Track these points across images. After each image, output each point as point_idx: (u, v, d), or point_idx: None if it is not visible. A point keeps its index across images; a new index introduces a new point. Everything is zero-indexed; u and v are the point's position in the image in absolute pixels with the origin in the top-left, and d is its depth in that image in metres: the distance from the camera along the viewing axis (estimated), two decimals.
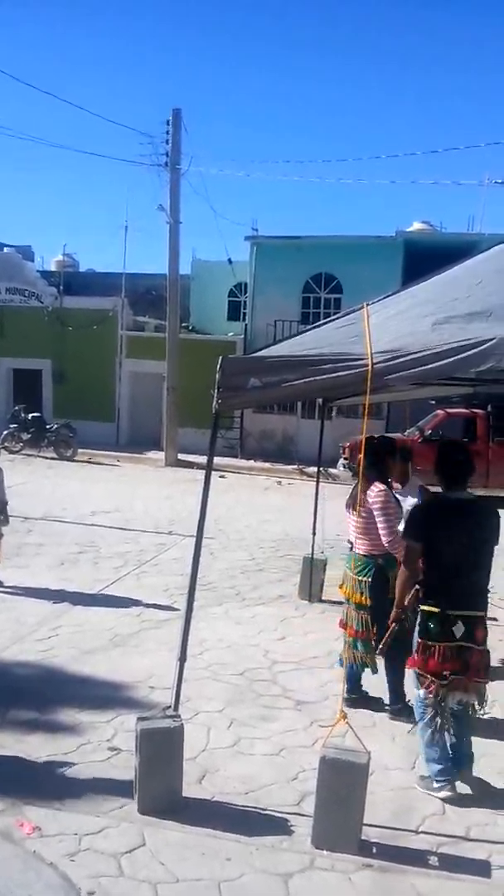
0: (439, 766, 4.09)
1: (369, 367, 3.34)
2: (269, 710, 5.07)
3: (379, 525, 4.87)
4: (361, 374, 3.36)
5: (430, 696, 4.02)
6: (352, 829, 3.53)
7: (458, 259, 4.47)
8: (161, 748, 3.69)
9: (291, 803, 3.94)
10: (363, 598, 4.93)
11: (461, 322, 3.54)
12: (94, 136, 79.77)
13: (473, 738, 4.29)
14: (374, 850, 3.56)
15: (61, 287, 25.35)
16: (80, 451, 20.22)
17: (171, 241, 20.37)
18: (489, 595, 4.18)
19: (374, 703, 5.17)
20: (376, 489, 4.95)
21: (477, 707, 4.16)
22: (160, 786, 3.73)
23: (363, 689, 5.24)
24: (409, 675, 4.35)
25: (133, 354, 24.07)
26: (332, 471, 17.39)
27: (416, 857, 3.55)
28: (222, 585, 8.20)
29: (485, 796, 4.11)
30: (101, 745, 4.44)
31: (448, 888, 3.36)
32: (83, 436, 20.76)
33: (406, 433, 15.79)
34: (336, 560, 8.48)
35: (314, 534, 7.89)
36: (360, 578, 4.97)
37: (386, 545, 4.85)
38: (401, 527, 4.70)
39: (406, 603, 4.27)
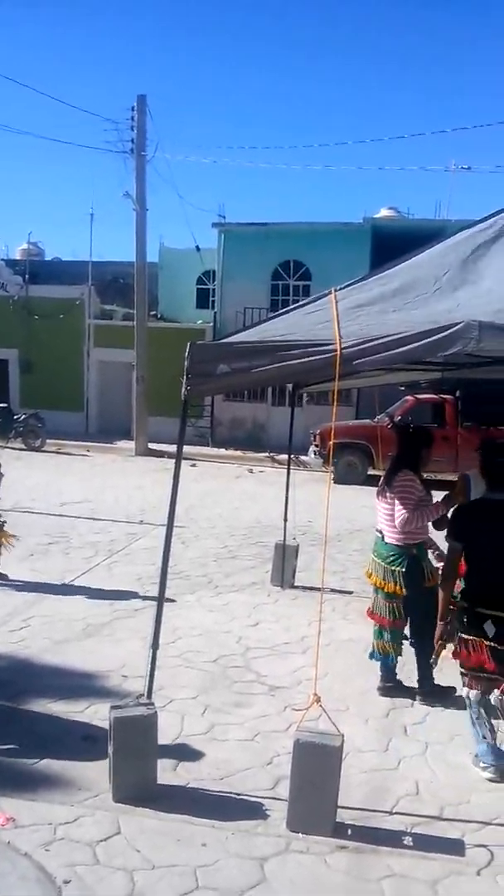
0: (484, 747, 4.16)
1: (338, 353, 3.34)
2: (242, 696, 5.08)
3: (396, 510, 4.92)
4: (330, 360, 3.36)
5: (470, 690, 4.12)
6: (326, 811, 3.56)
7: (426, 244, 4.48)
8: (135, 736, 3.69)
9: (266, 788, 3.96)
10: (396, 588, 4.95)
11: (428, 307, 3.55)
12: (58, 123, 78.87)
13: (450, 717, 4.35)
14: (349, 832, 3.59)
15: (27, 276, 25.07)
16: (48, 441, 20.05)
17: (138, 228, 20.22)
18: None
19: (408, 692, 5.17)
20: (402, 477, 4.97)
21: None
22: (134, 774, 3.73)
23: (398, 677, 5.25)
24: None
25: (101, 343, 23.90)
26: (303, 458, 17.43)
27: (390, 838, 3.59)
28: (194, 573, 8.19)
29: (458, 776, 4.16)
30: (75, 734, 4.42)
31: (422, 867, 3.40)
32: (52, 426, 20.58)
33: (376, 419, 15.86)
34: (307, 546, 8.54)
35: (286, 520, 7.91)
36: (392, 568, 4.98)
37: (398, 525, 4.91)
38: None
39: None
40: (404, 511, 4.87)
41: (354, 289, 4.12)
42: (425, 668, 5.06)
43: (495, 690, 4.12)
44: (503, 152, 71.75)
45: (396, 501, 4.93)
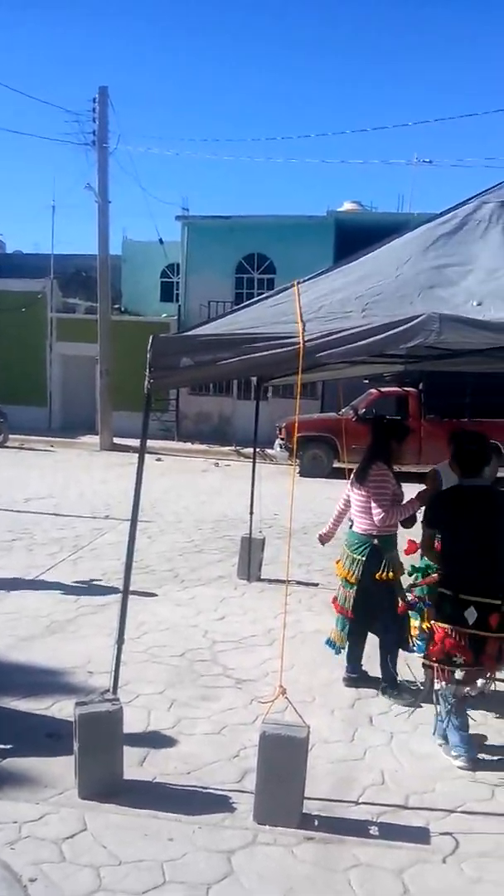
0: (458, 737, 4.20)
1: (301, 345, 3.34)
2: (209, 689, 5.08)
3: (372, 504, 4.93)
4: (293, 352, 3.36)
5: (444, 682, 4.13)
6: (293, 803, 3.57)
7: (388, 237, 4.49)
8: (100, 732, 3.67)
9: (233, 781, 3.96)
10: (352, 577, 4.98)
11: (390, 300, 3.57)
12: (18, 115, 77.75)
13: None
14: (316, 823, 3.60)
15: None
16: (11, 436, 19.84)
17: (101, 221, 20.06)
18: None
19: (374, 683, 5.20)
20: (376, 471, 4.98)
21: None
22: (100, 770, 3.71)
23: (363, 668, 5.28)
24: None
25: (64, 337, 23.69)
26: (269, 451, 17.47)
27: (356, 828, 3.61)
28: (161, 568, 8.16)
29: (423, 765, 4.21)
30: (40, 731, 4.39)
31: (389, 856, 3.42)
32: (14, 421, 20.36)
33: (340, 412, 15.94)
34: (273, 539, 8.56)
35: (251, 514, 7.91)
36: (355, 556, 5.01)
37: (377, 522, 4.91)
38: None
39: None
40: (380, 509, 4.89)
41: (317, 281, 4.13)
42: (387, 663, 5.09)
43: (471, 684, 4.13)
44: (464, 146, 72.47)
45: (372, 497, 4.95)
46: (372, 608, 5.00)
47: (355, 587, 4.96)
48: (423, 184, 49.29)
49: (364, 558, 4.94)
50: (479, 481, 4.24)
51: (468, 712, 4.28)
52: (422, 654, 4.58)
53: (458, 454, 4.34)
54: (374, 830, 3.61)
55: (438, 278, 3.72)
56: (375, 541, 4.96)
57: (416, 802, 3.86)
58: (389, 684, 5.04)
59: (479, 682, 4.19)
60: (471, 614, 4.02)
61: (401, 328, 3.27)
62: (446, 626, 4.09)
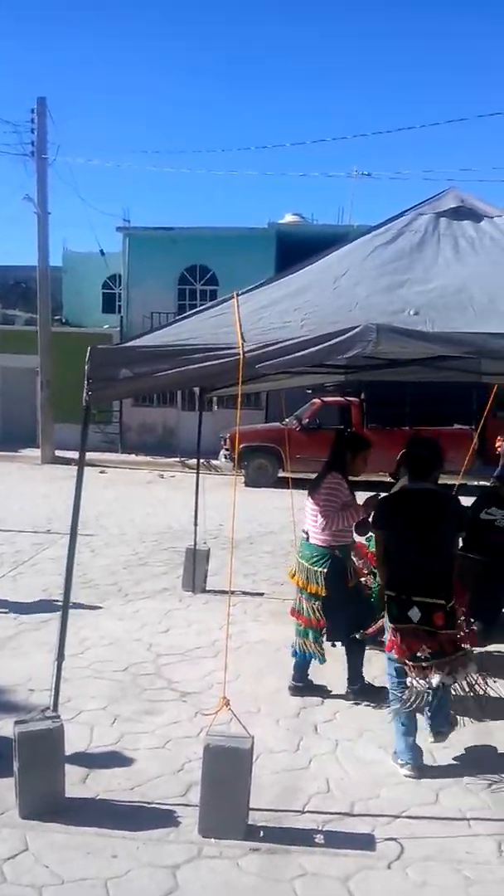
0: (404, 744, 4.21)
1: (240, 356, 3.35)
2: (153, 703, 5.03)
3: (320, 511, 4.94)
4: (233, 363, 3.37)
5: (411, 678, 4.15)
6: (238, 814, 3.55)
7: (328, 249, 4.55)
8: (40, 750, 3.60)
9: (178, 794, 3.92)
10: (318, 588, 4.94)
11: (328, 311, 3.61)
12: None
13: (360, 713, 4.39)
14: (262, 834, 3.59)
15: None
16: None
17: (40, 231, 19.84)
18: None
19: (318, 691, 5.23)
20: (330, 480, 5.00)
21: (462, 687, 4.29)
22: (41, 788, 3.64)
23: (308, 677, 5.27)
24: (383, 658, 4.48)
25: (3, 349, 23.30)
26: (214, 462, 17.45)
27: (302, 837, 3.61)
28: (104, 582, 8.07)
29: (368, 771, 4.23)
30: None
31: (334, 864, 3.43)
32: None
33: (284, 422, 16.02)
34: (218, 550, 8.54)
35: (196, 525, 7.88)
36: (315, 569, 4.98)
37: (319, 529, 4.95)
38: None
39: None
40: (322, 517, 4.92)
41: (256, 293, 4.16)
42: (356, 667, 5.13)
43: (435, 675, 4.13)
44: (401, 159, 73.85)
45: (321, 504, 4.97)
46: (342, 616, 5.03)
47: (322, 599, 4.94)
48: (363, 196, 50.25)
49: (326, 570, 4.94)
50: (426, 485, 4.32)
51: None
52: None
53: (408, 458, 4.43)
54: (319, 839, 3.62)
55: (375, 289, 3.78)
56: (336, 551, 4.97)
57: (362, 809, 3.88)
58: (360, 688, 5.08)
59: (442, 676, 4.14)
60: (414, 614, 4.10)
61: (338, 339, 3.31)
62: (399, 626, 4.17)
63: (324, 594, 4.94)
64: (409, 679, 4.17)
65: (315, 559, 5.01)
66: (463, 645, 4.24)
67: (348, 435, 5.43)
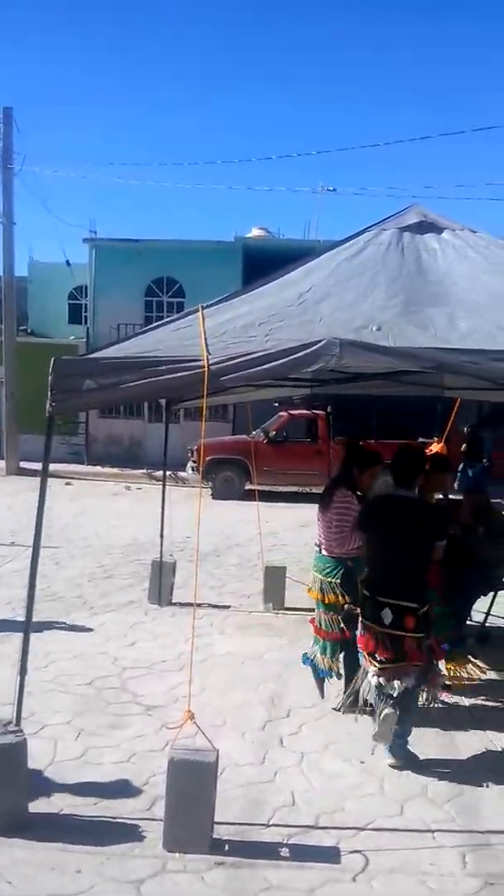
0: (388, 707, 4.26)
1: (205, 369, 3.37)
2: (118, 717, 4.99)
3: (335, 531, 4.98)
4: (198, 376, 3.39)
5: (370, 675, 4.26)
6: (203, 828, 3.54)
7: (291, 265, 4.59)
8: (3, 765, 3.55)
9: (142, 809, 3.90)
10: (337, 598, 4.95)
11: (292, 325, 3.64)
12: None
13: (325, 726, 4.39)
14: (227, 848, 3.58)
15: None
16: None
17: (6, 242, 19.77)
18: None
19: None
20: (340, 495, 5.01)
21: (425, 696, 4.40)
22: (4, 804, 3.59)
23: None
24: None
25: None
26: (181, 474, 17.41)
27: (267, 850, 3.60)
28: (69, 595, 8.00)
29: (333, 784, 4.24)
30: None
31: (299, 877, 3.42)
32: None
33: (251, 435, 16.06)
34: (185, 562, 8.51)
35: (162, 537, 7.86)
36: (328, 580, 5.01)
37: (336, 548, 4.98)
38: None
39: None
40: (340, 536, 4.95)
41: (222, 306, 4.18)
42: (350, 677, 5.08)
43: (394, 680, 4.19)
44: (366, 175, 74.73)
45: (334, 521, 5.00)
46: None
47: (340, 610, 4.93)
48: (329, 211, 50.74)
49: (339, 580, 4.97)
50: (408, 493, 4.43)
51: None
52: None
53: (393, 464, 4.50)
54: (284, 852, 3.61)
55: (339, 305, 3.82)
56: (349, 562, 4.98)
57: (327, 822, 3.88)
58: (356, 698, 5.05)
59: (400, 680, 4.21)
60: (386, 615, 4.18)
61: (302, 352, 3.35)
62: (369, 624, 4.29)
63: (342, 602, 4.92)
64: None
65: (328, 570, 5.05)
66: (427, 656, 4.32)
67: (356, 450, 5.32)
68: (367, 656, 4.34)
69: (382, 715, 4.21)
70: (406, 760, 4.38)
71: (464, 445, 14.43)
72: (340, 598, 4.95)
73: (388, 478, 5.14)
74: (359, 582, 4.90)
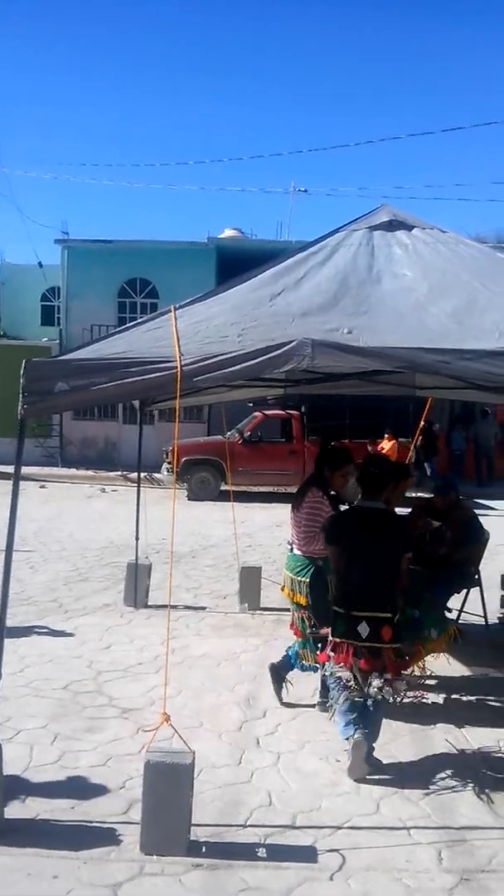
0: (345, 725, 4.27)
1: (178, 370, 3.37)
2: (94, 721, 4.97)
3: (303, 531, 4.99)
4: (170, 377, 3.39)
5: (344, 685, 4.23)
6: (180, 831, 3.53)
7: (263, 265, 4.59)
8: None
9: (119, 812, 3.88)
10: (303, 598, 4.98)
11: (265, 325, 3.65)
12: None
13: (301, 725, 4.40)
14: (204, 850, 3.57)
15: None
16: None
17: None
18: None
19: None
20: (311, 495, 5.02)
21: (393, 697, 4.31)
22: None
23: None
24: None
25: None
26: (156, 476, 17.37)
27: (244, 851, 3.59)
28: (44, 599, 7.95)
29: (309, 783, 4.25)
30: None
31: (277, 877, 3.42)
32: None
33: (227, 435, 16.06)
34: (161, 564, 8.49)
35: (137, 539, 7.83)
36: (298, 579, 5.02)
37: (305, 549, 5.00)
38: None
39: None
40: (310, 533, 4.97)
41: (195, 307, 4.18)
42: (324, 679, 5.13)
43: (374, 681, 4.17)
44: (338, 176, 75.03)
45: (304, 521, 5.01)
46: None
47: (308, 609, 4.97)
48: (301, 211, 50.86)
49: (308, 580, 4.98)
50: (376, 504, 4.37)
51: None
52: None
53: (360, 476, 4.46)
54: (262, 852, 3.61)
55: (310, 307, 3.82)
56: (319, 561, 4.99)
57: (304, 821, 3.88)
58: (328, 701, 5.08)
59: (378, 682, 4.19)
60: (363, 629, 4.14)
61: (275, 353, 3.36)
62: (344, 640, 4.21)
63: (306, 603, 4.97)
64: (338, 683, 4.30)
65: (298, 569, 5.06)
66: (404, 666, 4.32)
67: (327, 450, 5.36)
68: (340, 671, 4.26)
69: (353, 743, 4.21)
70: (374, 768, 4.36)
71: (420, 440, 14.66)
72: (305, 599, 4.98)
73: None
74: (328, 598, 4.96)
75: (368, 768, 4.27)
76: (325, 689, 5.08)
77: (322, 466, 5.15)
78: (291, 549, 5.20)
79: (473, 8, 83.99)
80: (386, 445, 15.79)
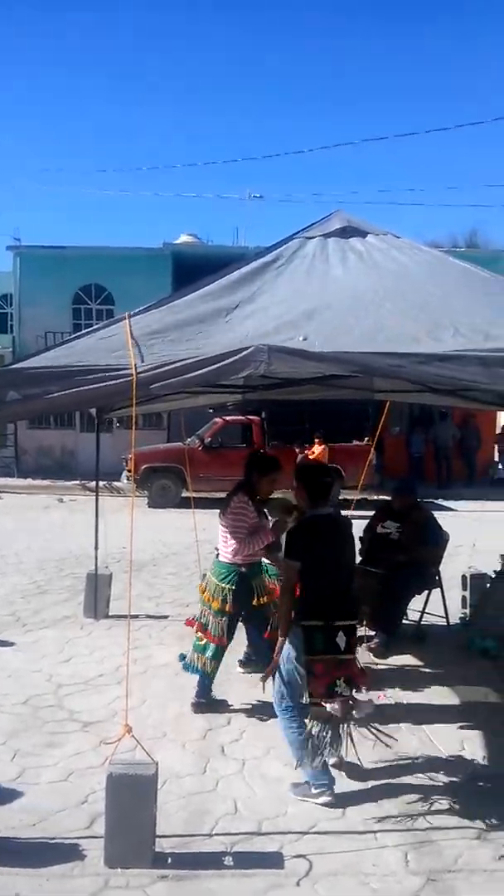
0: (318, 772, 4.08)
1: (133, 377, 3.34)
2: (55, 735, 4.89)
3: (229, 537, 5.00)
4: (126, 384, 3.36)
5: (323, 719, 3.98)
6: (144, 842, 3.49)
7: (223, 269, 4.57)
8: None
9: (82, 827, 3.82)
10: (225, 606, 4.97)
11: (220, 331, 3.64)
12: None
13: (266, 731, 4.46)
14: (169, 861, 3.54)
15: None
16: None
17: None
18: None
19: (220, 706, 5.25)
20: (236, 502, 5.01)
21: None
22: None
23: (212, 693, 5.27)
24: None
25: None
26: (116, 484, 17.23)
27: (210, 861, 3.57)
28: (1, 613, 7.81)
29: (275, 789, 4.23)
30: None
31: (243, 885, 3.40)
32: None
33: (187, 442, 16.01)
34: (121, 574, 8.42)
35: (97, 549, 7.75)
36: (222, 585, 5.01)
37: (231, 554, 5.00)
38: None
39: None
40: (234, 541, 4.97)
41: (149, 314, 4.15)
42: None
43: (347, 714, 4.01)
44: (293, 182, 75.48)
45: (229, 528, 5.01)
46: (253, 635, 5.16)
47: (227, 616, 5.00)
48: (257, 217, 51.00)
49: (234, 587, 4.98)
50: (327, 510, 4.33)
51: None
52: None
53: (309, 485, 4.36)
54: (228, 861, 3.59)
55: (265, 319, 3.79)
56: (242, 569, 5.02)
57: (270, 827, 3.87)
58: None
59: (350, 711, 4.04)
60: (341, 639, 4.04)
61: (231, 359, 3.35)
62: (318, 658, 4.02)
63: (230, 611, 4.97)
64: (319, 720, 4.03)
65: (223, 576, 5.05)
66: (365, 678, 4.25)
67: (256, 456, 5.47)
68: (320, 702, 3.98)
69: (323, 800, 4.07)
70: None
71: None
72: (228, 607, 4.99)
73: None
74: (252, 605, 4.99)
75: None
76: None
77: (251, 472, 5.16)
78: (217, 556, 5.20)
79: (423, 14, 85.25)
80: (316, 450, 15.88)
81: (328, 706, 3.94)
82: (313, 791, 4.10)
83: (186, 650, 5.38)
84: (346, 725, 4.05)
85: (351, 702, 4.01)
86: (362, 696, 4.23)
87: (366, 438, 16.34)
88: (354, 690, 4.08)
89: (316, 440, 16.10)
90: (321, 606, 4.10)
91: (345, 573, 4.21)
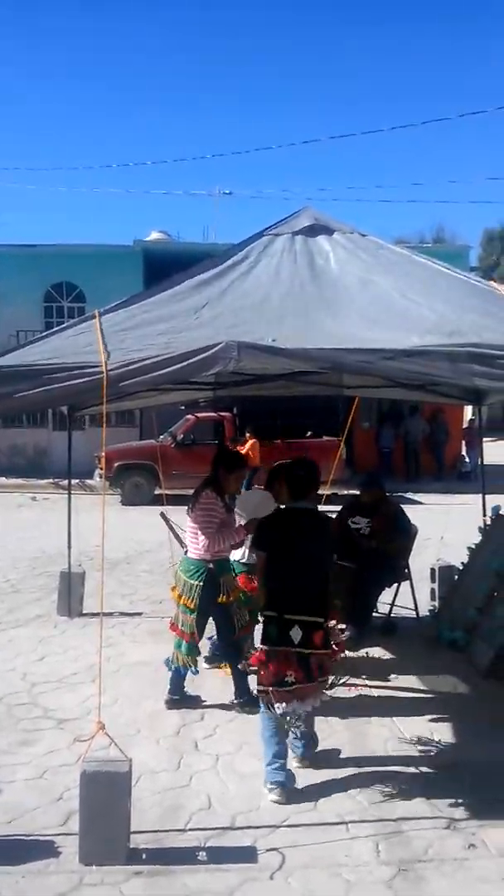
0: (272, 768, 4.14)
1: (104, 374, 3.35)
2: (29, 733, 4.89)
3: (199, 534, 5.00)
4: (96, 382, 3.37)
5: (271, 708, 4.07)
6: (119, 839, 3.50)
7: (193, 266, 4.58)
8: None
9: (57, 824, 3.83)
10: (192, 602, 4.98)
11: (189, 329, 3.65)
12: None
13: (239, 726, 4.42)
14: (144, 856, 3.55)
15: None
16: None
17: None
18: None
19: (193, 702, 5.27)
20: (204, 498, 5.02)
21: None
22: None
23: (185, 689, 5.28)
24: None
25: None
26: (88, 482, 17.14)
27: (185, 856, 3.60)
28: None
29: (248, 784, 4.26)
30: None
31: (218, 880, 3.43)
32: None
33: (159, 439, 15.97)
34: (95, 572, 8.38)
35: (69, 547, 7.72)
36: (191, 582, 5.02)
37: (203, 549, 5.00)
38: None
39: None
40: (205, 536, 4.98)
41: (118, 312, 4.16)
42: (239, 679, 5.17)
43: (296, 703, 4.10)
44: (262, 178, 75.51)
45: (199, 524, 5.02)
46: (219, 630, 5.17)
47: (195, 613, 5.01)
48: (227, 213, 50.99)
49: (201, 583, 5.00)
50: (305, 504, 4.34)
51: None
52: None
53: (287, 479, 4.42)
54: (202, 856, 3.61)
55: (234, 321, 3.81)
56: (210, 565, 5.03)
57: (243, 822, 3.90)
58: (246, 700, 5.08)
59: (300, 704, 4.14)
60: (296, 633, 4.07)
61: (201, 356, 3.37)
62: (275, 648, 4.10)
63: (195, 607, 4.99)
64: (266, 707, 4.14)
65: (191, 572, 5.07)
66: (328, 670, 4.27)
67: (223, 452, 5.50)
68: (268, 689, 4.09)
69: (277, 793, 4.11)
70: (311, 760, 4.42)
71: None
72: (193, 602, 5.02)
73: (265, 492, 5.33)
74: (217, 601, 5.00)
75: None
76: (239, 689, 5.18)
77: (218, 468, 5.19)
78: (186, 552, 5.22)
79: (388, 14, 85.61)
80: (247, 445, 15.86)
81: (275, 699, 4.05)
82: (266, 787, 4.14)
83: (162, 648, 5.39)
84: (292, 719, 4.15)
85: (300, 696, 4.08)
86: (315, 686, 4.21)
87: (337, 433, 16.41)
88: (309, 682, 4.11)
89: (247, 435, 16.03)
90: (276, 598, 4.19)
91: (313, 568, 4.20)
